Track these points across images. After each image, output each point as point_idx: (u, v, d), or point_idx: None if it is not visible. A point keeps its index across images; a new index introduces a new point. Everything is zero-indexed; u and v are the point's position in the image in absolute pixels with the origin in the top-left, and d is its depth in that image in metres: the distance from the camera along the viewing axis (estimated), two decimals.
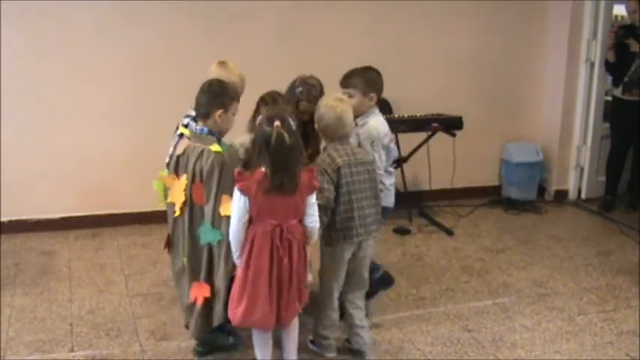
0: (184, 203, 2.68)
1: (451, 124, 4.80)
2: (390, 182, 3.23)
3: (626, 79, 5.08)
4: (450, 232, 4.69)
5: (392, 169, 3.28)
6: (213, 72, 3.01)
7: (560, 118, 5.48)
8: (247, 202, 2.40)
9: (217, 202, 2.60)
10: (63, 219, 4.57)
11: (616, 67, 5.15)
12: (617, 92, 5.19)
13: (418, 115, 4.91)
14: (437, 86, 5.20)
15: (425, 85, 5.17)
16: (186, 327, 2.94)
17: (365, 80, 3.11)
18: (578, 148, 5.55)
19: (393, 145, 3.22)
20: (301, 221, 2.51)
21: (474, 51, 5.31)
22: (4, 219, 4.45)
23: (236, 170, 2.46)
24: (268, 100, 3.07)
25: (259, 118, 2.51)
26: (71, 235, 4.50)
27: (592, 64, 5.37)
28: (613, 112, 5.33)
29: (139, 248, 4.26)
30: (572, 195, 5.65)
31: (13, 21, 4.23)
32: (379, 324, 3.25)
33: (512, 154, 5.45)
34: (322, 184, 2.63)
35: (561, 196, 5.62)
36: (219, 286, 2.68)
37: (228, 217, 2.54)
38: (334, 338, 2.90)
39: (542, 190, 5.62)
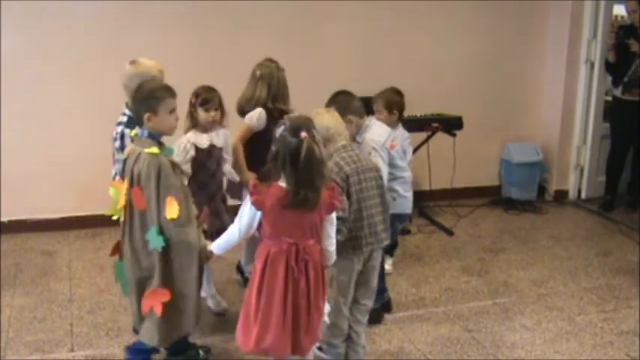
0: (124, 207, 2.61)
1: (451, 124, 4.80)
2: (403, 189, 3.26)
3: (626, 79, 5.08)
4: (450, 232, 4.69)
5: (405, 175, 3.30)
6: (128, 72, 2.97)
7: (560, 118, 5.48)
8: (260, 216, 2.28)
9: (161, 206, 2.48)
10: (63, 219, 4.57)
11: (616, 67, 5.15)
12: (617, 92, 5.19)
13: (418, 115, 4.90)
14: (437, 86, 5.19)
15: (425, 86, 5.15)
16: (135, 331, 2.82)
17: (334, 108, 2.87)
18: (578, 148, 5.55)
19: (393, 152, 3.18)
20: (319, 242, 2.35)
21: (474, 51, 5.31)
22: (4, 219, 4.45)
23: (251, 182, 2.29)
24: (201, 92, 3.03)
25: (280, 128, 2.26)
26: (71, 235, 4.49)
27: (592, 65, 5.36)
28: (613, 112, 5.33)
29: None
30: (572, 195, 5.65)
31: (13, 21, 4.23)
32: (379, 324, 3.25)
33: (513, 154, 5.45)
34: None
35: (561, 196, 5.62)
36: (188, 293, 2.55)
37: (174, 220, 2.45)
38: (344, 346, 2.79)
39: (542, 190, 5.62)
